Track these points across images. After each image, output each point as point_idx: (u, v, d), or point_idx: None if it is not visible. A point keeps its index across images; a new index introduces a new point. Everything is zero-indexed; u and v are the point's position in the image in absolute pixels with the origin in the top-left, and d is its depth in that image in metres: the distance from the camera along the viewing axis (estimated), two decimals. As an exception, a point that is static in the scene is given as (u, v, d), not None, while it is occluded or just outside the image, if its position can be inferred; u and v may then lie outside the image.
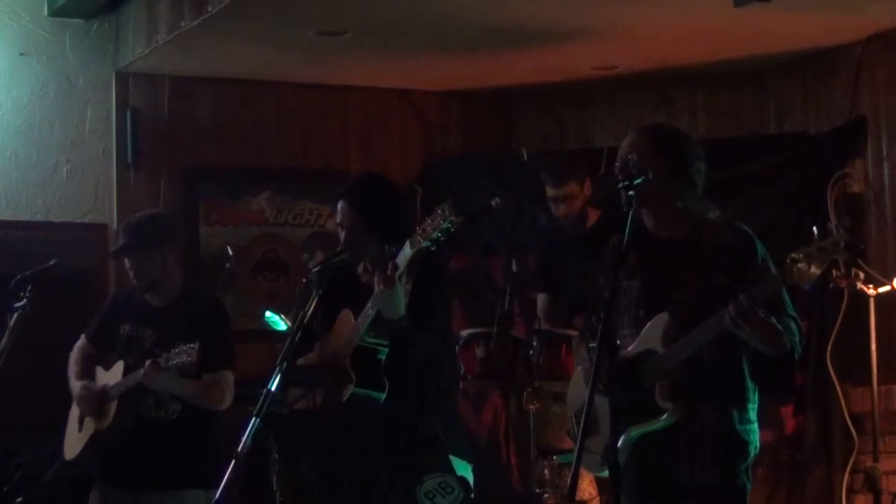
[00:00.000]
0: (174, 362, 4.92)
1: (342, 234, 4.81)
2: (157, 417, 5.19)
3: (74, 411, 5.47)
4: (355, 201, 4.80)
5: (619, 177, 4.04)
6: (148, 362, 4.97)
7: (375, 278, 4.55)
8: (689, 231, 4.20)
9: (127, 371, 5.18)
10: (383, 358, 4.66)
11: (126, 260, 5.28)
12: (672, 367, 4.06)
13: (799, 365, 6.73)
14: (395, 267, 4.54)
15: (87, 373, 5.40)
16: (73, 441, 5.39)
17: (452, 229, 4.46)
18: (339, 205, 4.86)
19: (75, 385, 5.37)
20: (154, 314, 5.29)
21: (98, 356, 5.43)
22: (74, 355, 5.49)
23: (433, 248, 4.52)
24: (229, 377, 5.22)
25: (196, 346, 4.89)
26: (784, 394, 4.23)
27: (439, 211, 4.46)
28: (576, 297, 5.89)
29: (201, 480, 5.16)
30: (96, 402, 5.24)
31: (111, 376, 5.29)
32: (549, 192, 6.17)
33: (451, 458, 4.48)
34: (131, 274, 5.29)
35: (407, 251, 4.54)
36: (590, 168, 6.27)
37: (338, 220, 4.87)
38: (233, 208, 7.73)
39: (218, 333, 5.18)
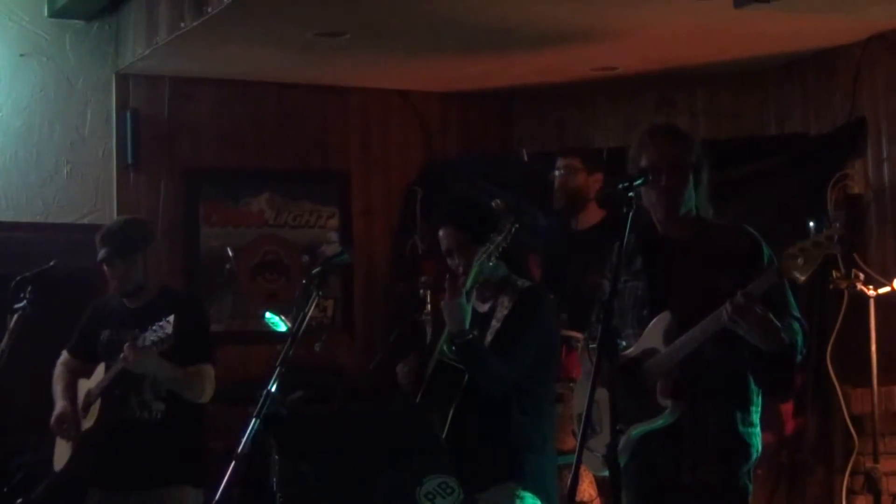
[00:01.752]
0: (151, 339, 4.95)
1: (455, 261, 4.68)
2: (141, 419, 5.23)
3: None
4: (454, 221, 4.71)
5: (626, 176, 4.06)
6: (126, 345, 5.00)
7: (446, 284, 4.57)
8: (696, 233, 4.21)
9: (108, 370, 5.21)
10: (466, 381, 4.59)
11: (108, 268, 5.31)
12: (672, 366, 4.07)
13: (799, 366, 6.74)
14: (464, 279, 4.56)
15: (69, 391, 5.42)
16: (63, 451, 5.42)
17: (505, 244, 4.52)
18: (441, 233, 4.74)
19: (57, 404, 5.39)
20: (132, 315, 5.32)
21: (82, 368, 5.45)
22: (57, 372, 5.51)
23: (491, 262, 4.53)
24: (209, 371, 5.26)
25: (171, 318, 4.91)
26: (782, 391, 4.25)
27: (507, 226, 4.53)
28: (576, 297, 5.91)
29: (189, 477, 5.26)
30: (71, 424, 5.28)
31: (93, 380, 5.31)
32: (556, 163, 6.30)
33: (527, 494, 4.49)
34: (115, 281, 5.33)
35: (474, 268, 4.57)
36: (606, 170, 6.32)
37: (444, 249, 4.72)
38: (233, 209, 7.72)
39: (195, 328, 5.18)
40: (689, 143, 4.26)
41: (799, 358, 4.13)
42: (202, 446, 5.34)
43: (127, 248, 5.27)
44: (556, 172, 6.34)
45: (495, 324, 4.62)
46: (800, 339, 4.08)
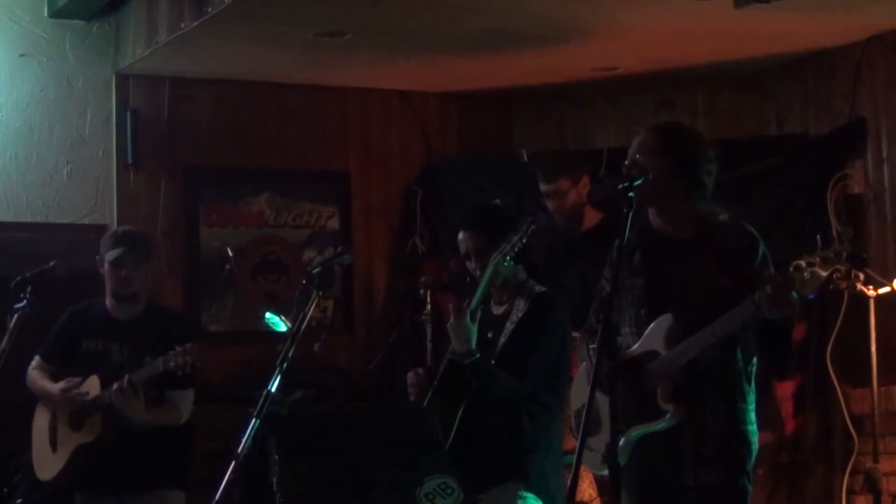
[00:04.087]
0: (143, 376, 5.07)
1: (473, 264, 4.71)
2: (137, 428, 5.27)
3: (41, 431, 5.48)
4: (474, 224, 4.75)
5: (625, 176, 4.05)
6: (117, 386, 5.08)
7: (450, 306, 4.61)
8: (694, 231, 4.20)
9: (104, 384, 5.24)
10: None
11: (116, 268, 5.34)
12: (675, 370, 4.06)
13: (798, 366, 6.75)
14: (468, 301, 4.57)
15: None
16: (48, 461, 5.42)
17: (521, 244, 4.53)
18: (460, 236, 4.77)
19: (54, 387, 5.39)
20: (120, 328, 5.36)
21: (56, 374, 5.45)
22: (33, 376, 5.53)
23: (506, 262, 4.55)
24: (189, 396, 5.35)
25: (160, 361, 5.02)
26: (784, 366, 4.28)
27: (524, 226, 4.54)
28: (571, 297, 5.92)
29: (176, 480, 5.38)
30: (80, 400, 5.28)
31: (89, 391, 5.30)
32: (541, 187, 6.25)
33: (529, 494, 4.51)
34: (121, 282, 5.36)
35: (490, 268, 4.58)
36: (589, 167, 6.32)
37: (462, 252, 4.76)
38: (233, 210, 7.72)
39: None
40: (667, 138, 4.20)
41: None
42: (191, 450, 5.46)
43: (141, 254, 5.37)
44: (545, 198, 6.27)
45: (509, 326, 4.65)
46: None
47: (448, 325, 4.58)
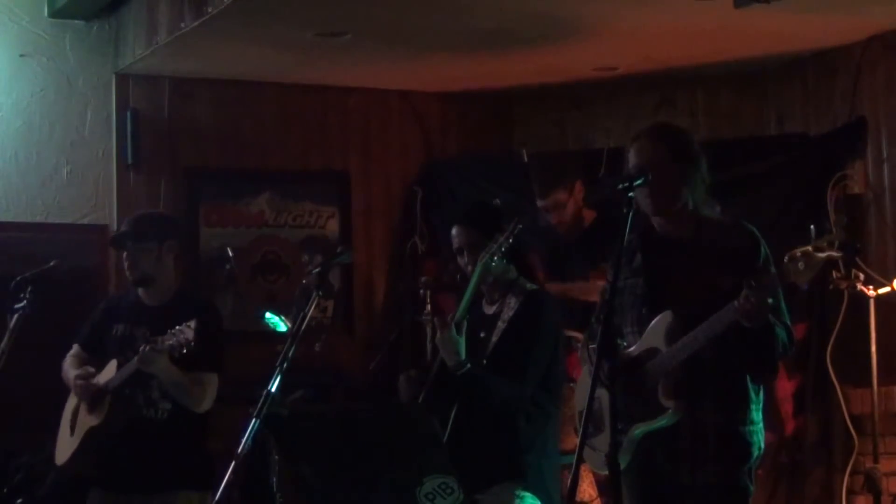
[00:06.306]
0: (170, 343, 4.91)
1: (465, 259, 4.73)
2: (147, 417, 5.21)
3: (66, 415, 5.47)
4: (467, 220, 4.76)
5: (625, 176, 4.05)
6: (145, 347, 4.97)
7: (434, 321, 4.63)
8: (695, 230, 4.21)
9: (120, 367, 5.20)
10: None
11: (122, 251, 5.31)
12: (675, 366, 4.07)
13: (798, 366, 6.75)
14: (453, 315, 4.58)
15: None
16: (66, 445, 5.40)
17: (508, 244, 4.55)
18: (453, 232, 4.78)
19: (71, 374, 5.35)
20: (147, 313, 5.31)
21: (92, 361, 5.44)
22: (67, 363, 5.50)
23: (494, 262, 4.56)
24: (213, 380, 5.23)
25: (193, 323, 4.87)
26: (769, 369, 4.27)
27: (510, 226, 4.55)
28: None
29: (193, 481, 5.21)
30: (94, 389, 5.24)
31: (104, 376, 5.29)
32: (538, 203, 6.21)
33: (527, 494, 4.51)
34: (126, 265, 5.32)
35: (478, 268, 4.59)
36: (581, 171, 6.31)
37: (455, 247, 4.77)
38: (233, 210, 7.73)
39: (208, 335, 5.08)
40: (670, 140, 4.23)
41: (785, 352, 4.11)
42: (207, 448, 5.31)
43: (141, 234, 5.28)
44: (545, 213, 6.24)
45: (501, 324, 4.65)
46: (785, 342, 4.07)
47: (437, 338, 4.59)
